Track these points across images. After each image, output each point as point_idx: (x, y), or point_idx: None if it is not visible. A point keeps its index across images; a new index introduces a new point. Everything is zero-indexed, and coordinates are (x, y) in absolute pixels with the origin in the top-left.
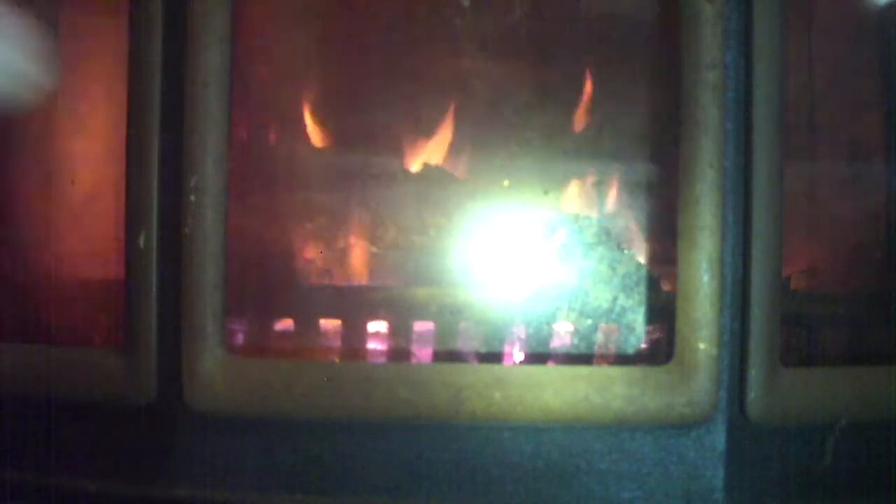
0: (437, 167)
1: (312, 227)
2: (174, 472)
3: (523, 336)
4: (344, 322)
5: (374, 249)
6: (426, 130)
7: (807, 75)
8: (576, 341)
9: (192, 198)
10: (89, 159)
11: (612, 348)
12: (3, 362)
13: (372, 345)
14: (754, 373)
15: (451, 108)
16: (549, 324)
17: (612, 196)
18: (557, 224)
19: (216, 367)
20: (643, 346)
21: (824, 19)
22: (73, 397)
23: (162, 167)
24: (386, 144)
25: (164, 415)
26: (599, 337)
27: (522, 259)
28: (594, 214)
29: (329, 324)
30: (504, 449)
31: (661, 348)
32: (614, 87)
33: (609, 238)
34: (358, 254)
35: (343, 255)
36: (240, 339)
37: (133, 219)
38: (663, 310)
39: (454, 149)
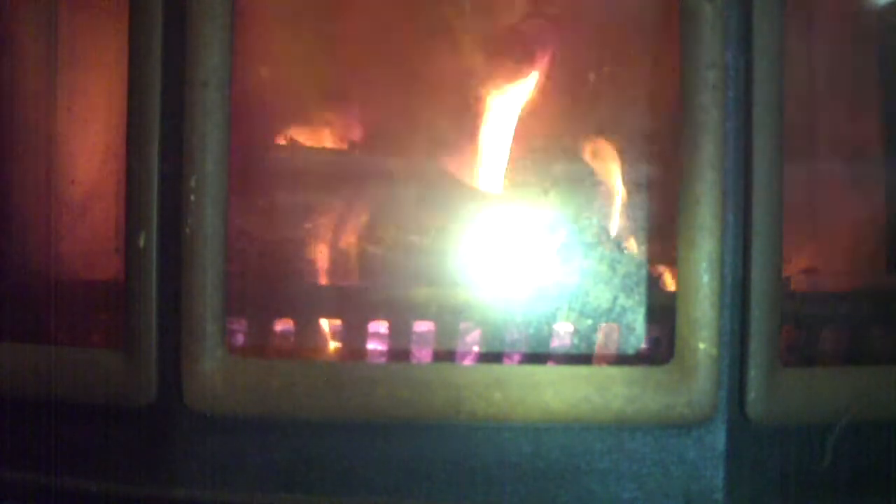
0: (437, 167)
1: (312, 227)
2: (174, 473)
3: (523, 336)
4: (344, 322)
5: (374, 249)
6: (426, 130)
7: (807, 75)
8: (576, 341)
9: (192, 198)
10: (90, 159)
11: (612, 348)
12: (3, 362)
13: (372, 345)
14: (754, 373)
15: (451, 108)
16: (549, 324)
17: (612, 196)
18: (557, 224)
19: (216, 367)
20: (643, 346)
21: (824, 19)
22: (73, 397)
23: (162, 167)
24: (386, 144)
25: (164, 415)
26: (599, 337)
27: (522, 259)
28: (594, 214)
29: (329, 324)
30: (504, 449)
31: (661, 348)
32: (614, 86)
33: (609, 238)
34: (358, 254)
35: (343, 255)
36: (240, 339)
37: (133, 219)
38: (663, 310)
39: (454, 149)
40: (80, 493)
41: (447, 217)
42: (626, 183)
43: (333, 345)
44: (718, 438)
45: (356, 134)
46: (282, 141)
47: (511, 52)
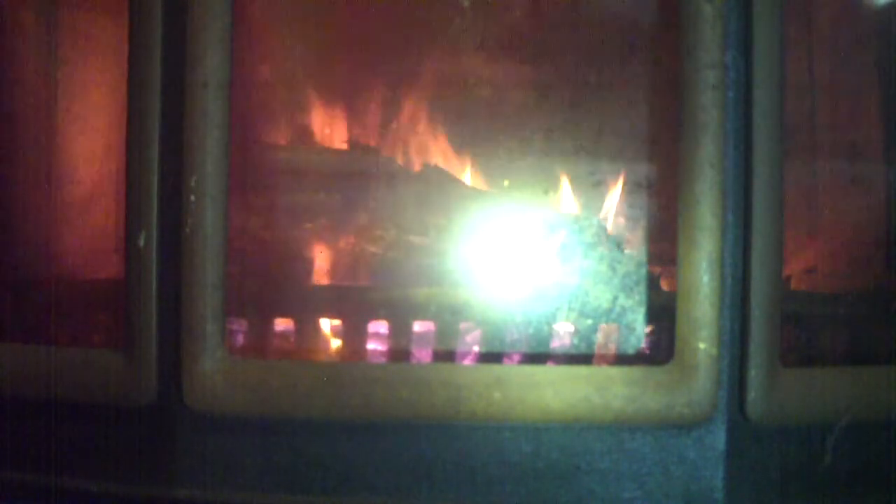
0: (437, 167)
1: (312, 227)
2: (174, 473)
3: (523, 336)
4: (344, 322)
5: (374, 249)
6: (426, 130)
7: (807, 75)
8: (576, 341)
9: (192, 198)
10: (90, 159)
11: (612, 348)
12: (3, 362)
13: (372, 345)
14: (754, 373)
15: (451, 108)
16: (549, 324)
17: (612, 196)
18: (557, 224)
19: (216, 367)
20: (643, 346)
21: (824, 19)
22: (73, 397)
23: (162, 168)
24: (386, 144)
25: (164, 415)
26: (599, 337)
27: (522, 259)
28: (594, 214)
29: (329, 324)
30: (504, 449)
31: (661, 348)
32: (614, 86)
33: (609, 238)
34: (358, 254)
35: (343, 255)
36: (240, 339)
37: (133, 219)
38: (663, 310)
39: (454, 149)
40: (80, 493)
41: (447, 217)
42: (626, 183)
43: (333, 345)
44: (718, 438)
45: (356, 134)
46: (282, 141)
47: (511, 52)
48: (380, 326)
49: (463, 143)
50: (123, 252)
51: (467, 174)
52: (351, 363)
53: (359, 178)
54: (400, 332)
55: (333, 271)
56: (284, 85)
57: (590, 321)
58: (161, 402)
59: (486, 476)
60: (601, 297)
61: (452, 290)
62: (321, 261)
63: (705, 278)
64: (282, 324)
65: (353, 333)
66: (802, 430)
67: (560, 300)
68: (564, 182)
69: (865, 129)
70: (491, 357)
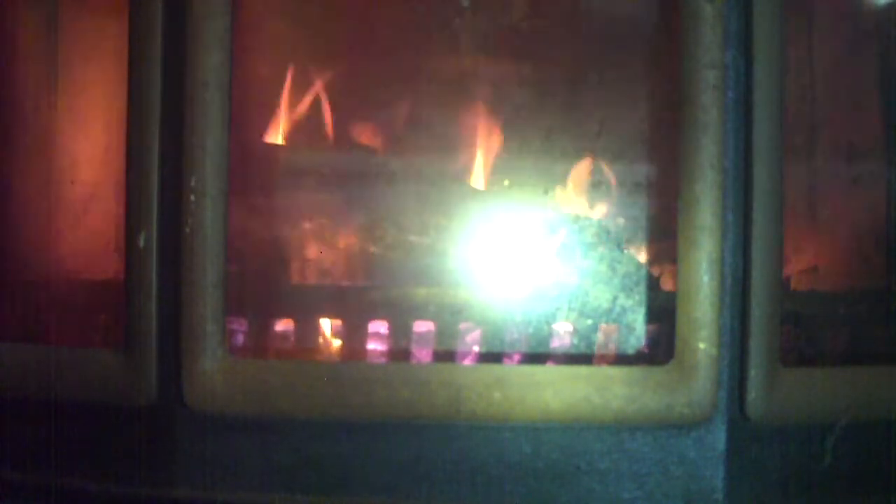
0: (437, 167)
1: (312, 227)
2: (174, 473)
3: (523, 336)
4: (344, 322)
5: (374, 249)
6: (426, 130)
7: (807, 75)
8: (576, 341)
9: (192, 198)
10: (90, 159)
11: (612, 348)
12: (3, 362)
13: (372, 345)
14: (754, 373)
15: (452, 108)
16: (549, 324)
17: (612, 196)
18: (557, 224)
19: (216, 368)
20: (643, 346)
21: (824, 19)
22: (73, 397)
23: (162, 167)
24: (386, 144)
25: (164, 415)
26: (599, 337)
27: (522, 259)
28: (594, 214)
29: (329, 324)
30: (504, 449)
31: (661, 348)
32: (614, 87)
33: (609, 238)
34: (358, 254)
35: (343, 255)
36: (240, 339)
37: (133, 219)
38: (663, 310)
39: (454, 149)
40: (80, 493)
41: (447, 217)
42: (626, 183)
43: (333, 345)
44: (718, 438)
45: (356, 134)
46: (282, 141)
47: (511, 51)
48: (380, 326)
49: (463, 143)
50: (123, 252)
51: (467, 174)
52: (351, 363)
53: (359, 178)
54: (400, 332)
55: (333, 271)
56: (284, 85)
57: (590, 321)
58: (161, 402)
59: (486, 476)
60: (601, 297)
61: (452, 290)
62: (321, 261)
63: (705, 278)
64: (282, 324)
65: (353, 333)
66: (802, 429)
67: (560, 300)
68: (564, 182)
69: (865, 129)
70: (491, 357)
